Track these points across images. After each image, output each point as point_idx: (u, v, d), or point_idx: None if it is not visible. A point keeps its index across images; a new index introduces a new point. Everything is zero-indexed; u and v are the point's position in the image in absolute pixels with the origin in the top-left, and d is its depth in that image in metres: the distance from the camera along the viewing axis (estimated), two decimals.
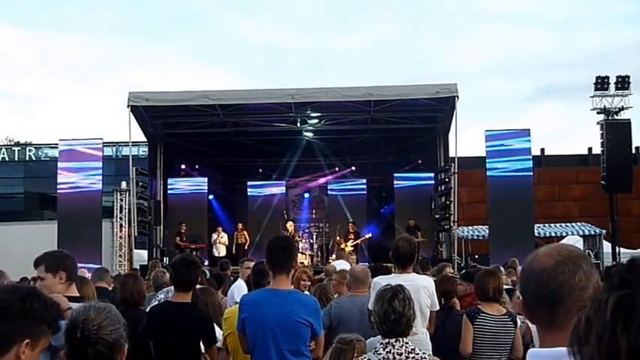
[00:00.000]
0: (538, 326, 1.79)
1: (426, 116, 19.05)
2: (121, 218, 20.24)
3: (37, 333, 2.31)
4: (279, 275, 4.54)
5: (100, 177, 18.34)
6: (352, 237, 19.49)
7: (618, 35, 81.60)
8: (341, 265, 11.37)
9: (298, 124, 20.01)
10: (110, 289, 7.64)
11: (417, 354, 3.68)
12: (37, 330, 2.31)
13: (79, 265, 4.85)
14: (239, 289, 7.99)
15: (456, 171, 17.57)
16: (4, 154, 38.55)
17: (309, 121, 20.25)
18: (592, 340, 1.07)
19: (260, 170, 22.72)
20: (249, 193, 22.45)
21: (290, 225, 19.87)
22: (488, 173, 17.93)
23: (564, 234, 24.45)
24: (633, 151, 21.32)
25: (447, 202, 18.19)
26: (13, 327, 2.26)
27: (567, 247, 1.82)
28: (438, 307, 5.81)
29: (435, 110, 18.49)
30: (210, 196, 22.00)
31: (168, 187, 20.98)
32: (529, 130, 18.45)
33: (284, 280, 4.56)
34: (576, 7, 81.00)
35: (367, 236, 19.97)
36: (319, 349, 4.50)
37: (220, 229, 20.26)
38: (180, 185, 21.49)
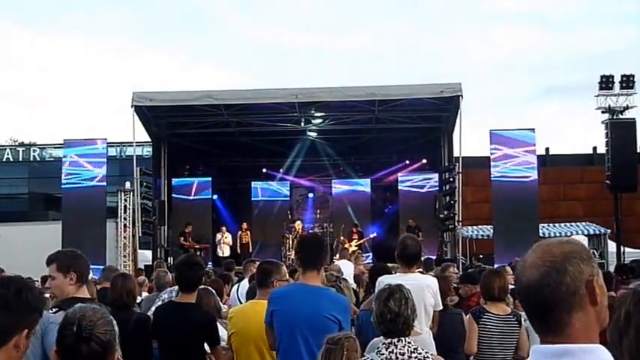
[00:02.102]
0: (535, 331, 1.79)
1: (430, 116, 19.04)
2: (125, 218, 20.26)
3: (33, 322, 2.40)
4: (309, 272, 4.55)
5: (105, 177, 18.37)
6: (356, 237, 19.47)
7: (623, 34, 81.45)
8: (344, 265, 11.40)
9: (302, 124, 20.02)
10: None
11: (420, 353, 3.67)
12: (32, 319, 2.40)
13: None
14: (243, 288, 8.00)
15: (461, 170, 17.55)
16: (8, 154, 38.57)
17: (313, 121, 20.27)
18: (631, 333, 1.06)
19: (264, 170, 22.71)
20: (253, 193, 22.46)
21: (298, 224, 19.84)
22: (493, 173, 17.90)
23: (569, 234, 24.33)
24: (638, 150, 21.24)
25: (452, 202, 18.18)
26: (12, 319, 2.33)
27: (553, 249, 1.75)
28: (441, 307, 5.80)
29: (439, 110, 18.48)
30: (214, 196, 22.02)
31: (173, 187, 21.01)
32: (534, 129, 18.43)
33: (314, 276, 4.56)
34: (580, 5, 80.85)
35: (372, 235, 19.96)
36: None
37: (224, 229, 20.26)
38: (185, 185, 21.52)
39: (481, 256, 21.95)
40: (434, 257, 16.62)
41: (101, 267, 11.22)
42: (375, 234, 20.10)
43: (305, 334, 4.36)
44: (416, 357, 3.64)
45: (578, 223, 25.31)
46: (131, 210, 19.65)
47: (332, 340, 3.91)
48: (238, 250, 19.67)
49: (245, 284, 8.10)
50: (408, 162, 21.80)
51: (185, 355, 4.98)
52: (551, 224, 24.52)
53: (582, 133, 73.50)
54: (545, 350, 1.68)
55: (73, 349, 2.46)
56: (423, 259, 10.62)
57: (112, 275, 7.38)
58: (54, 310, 3.77)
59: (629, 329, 1.08)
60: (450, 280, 7.49)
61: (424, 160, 21.32)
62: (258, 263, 7.19)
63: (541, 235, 18.90)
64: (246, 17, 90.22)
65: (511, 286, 6.04)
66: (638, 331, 1.05)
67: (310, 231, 21.10)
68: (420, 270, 7.31)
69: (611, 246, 22.21)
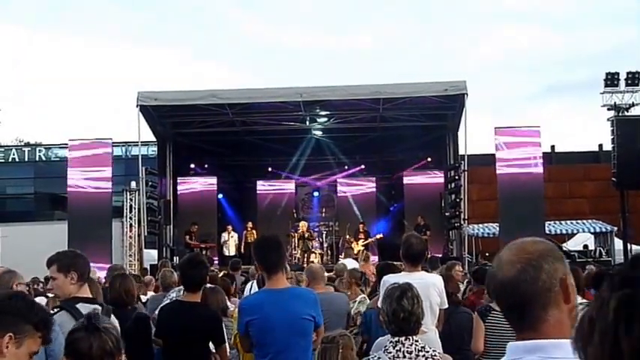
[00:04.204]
0: (512, 327, 1.81)
1: (435, 114, 18.99)
2: (130, 218, 20.28)
3: (21, 330, 2.34)
4: (274, 275, 4.51)
5: (110, 177, 18.39)
6: (363, 237, 19.43)
7: (628, 31, 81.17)
8: (349, 264, 11.39)
9: (307, 123, 20.02)
10: None
11: (427, 352, 3.66)
12: (20, 327, 2.34)
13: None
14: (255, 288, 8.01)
15: (466, 168, 17.50)
16: (14, 154, 38.69)
17: (317, 120, 20.24)
18: (595, 339, 1.05)
19: (269, 169, 22.68)
20: (258, 192, 22.45)
21: (303, 224, 19.80)
22: (498, 170, 17.84)
23: (575, 231, 24.35)
24: None
25: (457, 200, 18.13)
26: None
27: (528, 247, 1.79)
28: (446, 305, 5.78)
29: (444, 108, 18.43)
30: (220, 195, 22.02)
31: (178, 186, 21.02)
32: (539, 127, 18.37)
33: (280, 278, 4.55)
34: (586, 3, 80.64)
35: (378, 236, 19.90)
36: (320, 339, 4.48)
37: (230, 228, 20.26)
38: (190, 184, 21.54)
39: (487, 254, 21.90)
40: (439, 255, 16.59)
41: (112, 265, 11.22)
42: (381, 235, 20.01)
43: (284, 339, 4.38)
44: (423, 355, 3.63)
45: (585, 221, 25.26)
46: (137, 209, 19.67)
47: (327, 339, 3.92)
48: (243, 250, 19.62)
49: (254, 284, 8.12)
50: (413, 160, 21.76)
51: (190, 354, 4.99)
52: (557, 222, 24.48)
53: (588, 131, 73.36)
54: (518, 347, 1.74)
55: (84, 342, 2.40)
56: (427, 257, 10.61)
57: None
58: (55, 310, 3.78)
59: (592, 336, 1.07)
60: (457, 279, 7.49)
61: (429, 159, 21.27)
62: None
63: (547, 232, 18.85)
64: (250, 16, 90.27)
65: None
66: (604, 340, 1.05)
67: (316, 230, 21.10)
68: (426, 269, 7.30)
69: (618, 243, 22.16)
